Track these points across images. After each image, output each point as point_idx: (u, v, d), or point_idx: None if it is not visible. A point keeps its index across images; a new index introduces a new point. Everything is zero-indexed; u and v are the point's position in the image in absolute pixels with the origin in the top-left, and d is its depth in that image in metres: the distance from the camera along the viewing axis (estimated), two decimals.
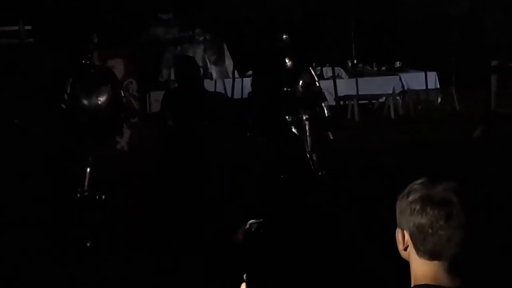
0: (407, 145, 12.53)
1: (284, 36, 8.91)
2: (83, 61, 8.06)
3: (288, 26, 9.58)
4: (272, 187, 8.62)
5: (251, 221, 2.56)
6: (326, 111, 8.98)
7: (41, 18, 21.43)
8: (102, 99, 8.00)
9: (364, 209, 8.23)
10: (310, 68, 9.55)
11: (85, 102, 7.92)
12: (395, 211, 2.21)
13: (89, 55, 8.06)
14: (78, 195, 7.72)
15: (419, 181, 2.23)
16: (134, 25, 17.71)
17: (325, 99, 9.30)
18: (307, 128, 8.70)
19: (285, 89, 8.70)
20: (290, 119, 8.67)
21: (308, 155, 8.67)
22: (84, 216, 7.79)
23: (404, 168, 10.44)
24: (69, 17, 19.14)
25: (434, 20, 20.09)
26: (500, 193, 8.08)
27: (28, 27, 22.59)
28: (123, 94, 8.51)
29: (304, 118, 8.70)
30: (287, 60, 8.79)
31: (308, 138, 8.67)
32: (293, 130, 8.66)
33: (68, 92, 7.95)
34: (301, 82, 8.79)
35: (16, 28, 22.83)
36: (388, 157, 11.39)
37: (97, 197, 7.80)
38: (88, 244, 7.60)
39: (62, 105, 7.96)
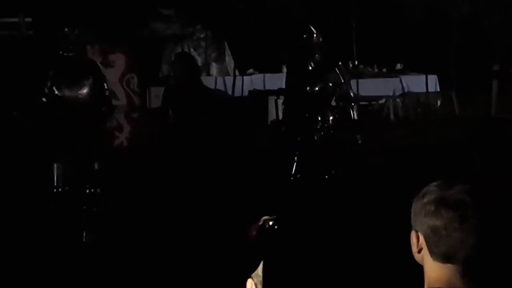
0: (405, 147, 12.55)
1: (314, 35, 8.91)
2: (64, 53, 8.00)
3: (295, 25, 9.56)
4: (284, 184, 8.63)
5: (265, 217, 2.55)
6: (353, 114, 8.98)
7: (41, 11, 21.43)
8: (82, 92, 7.93)
9: (371, 208, 8.24)
10: (338, 68, 9.51)
11: (65, 94, 7.86)
12: (403, 211, 2.23)
13: (70, 47, 7.99)
14: (61, 189, 7.66)
15: (435, 183, 2.23)
16: (135, 20, 17.70)
17: (352, 101, 9.30)
18: (333, 129, 8.70)
19: (313, 88, 8.69)
20: (317, 119, 8.67)
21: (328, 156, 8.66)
22: (76, 211, 7.76)
23: (400, 169, 10.47)
24: (68, 10, 19.13)
25: (435, 23, 20.11)
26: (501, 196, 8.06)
27: (28, 19, 22.63)
28: (106, 87, 8.36)
29: (330, 118, 8.69)
30: (315, 59, 8.78)
31: (333, 139, 8.66)
32: (319, 130, 8.65)
33: (48, 85, 7.90)
34: (329, 82, 8.79)
35: (16, 20, 22.86)
36: (386, 158, 11.40)
37: (92, 191, 7.76)
38: (85, 240, 7.60)
39: (43, 98, 7.90)
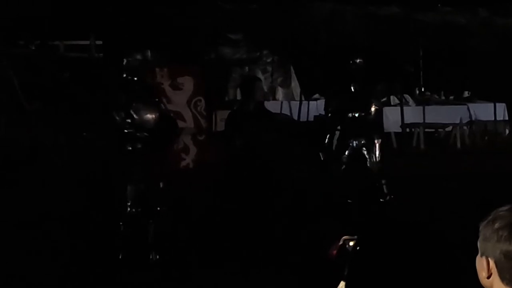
0: (472, 175, 12.43)
1: (358, 60, 8.95)
2: (130, 77, 7.99)
3: (360, 51, 9.60)
4: (340, 209, 8.62)
5: (345, 237, 2.55)
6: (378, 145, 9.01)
7: (112, 34, 21.83)
8: (151, 114, 7.98)
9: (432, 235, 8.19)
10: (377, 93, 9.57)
11: (134, 117, 7.91)
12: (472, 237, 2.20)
13: (137, 72, 8.01)
14: (133, 210, 7.72)
15: (505, 207, 2.18)
16: (203, 44, 17.91)
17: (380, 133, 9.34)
18: (378, 152, 8.71)
19: (358, 112, 8.72)
20: (362, 143, 8.69)
21: (380, 180, 8.67)
22: (144, 231, 7.83)
23: (467, 197, 10.37)
24: (139, 33, 19.43)
25: (504, 51, 19.93)
26: None
27: (98, 42, 23.07)
28: (184, 115, 8.47)
29: (376, 142, 8.71)
30: (359, 84, 8.81)
31: (378, 162, 8.67)
32: (364, 153, 8.67)
33: (119, 107, 7.94)
34: (372, 106, 8.82)
35: (87, 42, 23.32)
36: (452, 185, 11.33)
37: (157, 211, 7.83)
38: (152, 257, 7.67)
39: (114, 119, 7.93)
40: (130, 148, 7.81)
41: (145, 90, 8.10)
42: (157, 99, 8.15)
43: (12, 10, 22.08)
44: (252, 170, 8.79)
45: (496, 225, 2.15)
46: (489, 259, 2.15)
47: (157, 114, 7.94)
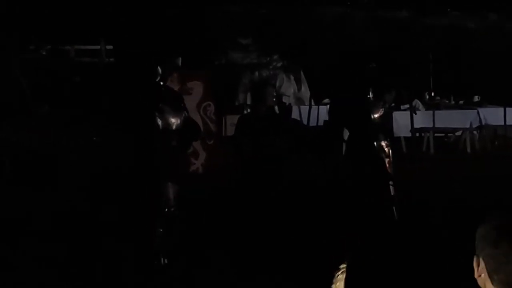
0: (482, 179, 12.42)
1: (370, 65, 8.98)
2: (158, 83, 8.02)
3: (371, 55, 9.62)
4: (355, 210, 8.65)
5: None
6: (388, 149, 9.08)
7: (121, 39, 21.91)
8: (175, 120, 8.01)
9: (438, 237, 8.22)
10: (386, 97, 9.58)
11: (159, 122, 7.92)
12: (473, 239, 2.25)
13: (163, 78, 8.04)
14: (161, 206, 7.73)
15: (499, 211, 2.24)
16: (213, 49, 17.96)
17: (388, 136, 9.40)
18: (388, 157, 8.75)
19: (371, 116, 8.75)
20: (378, 147, 8.72)
21: (388, 182, 8.71)
22: (161, 230, 7.84)
23: (476, 201, 10.38)
24: (149, 39, 19.50)
25: None
26: None
27: (109, 47, 23.15)
28: (196, 119, 8.50)
29: (385, 147, 8.74)
30: (372, 88, 8.84)
31: (389, 167, 8.71)
32: (379, 155, 8.70)
33: (145, 110, 7.96)
34: (383, 110, 8.86)
35: (97, 47, 23.41)
36: (462, 190, 11.33)
37: (171, 212, 7.83)
38: (164, 261, 7.70)
39: (142, 123, 7.95)
40: (159, 148, 7.84)
41: (170, 94, 8.13)
42: (182, 104, 8.18)
43: (23, 14, 22.24)
44: (263, 175, 8.81)
45: (487, 227, 2.20)
46: (480, 259, 2.20)
47: (181, 117, 8.00)
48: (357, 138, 8.81)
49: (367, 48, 17.19)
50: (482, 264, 2.21)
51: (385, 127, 9.05)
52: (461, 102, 17.67)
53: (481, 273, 2.20)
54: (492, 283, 2.17)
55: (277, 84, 18.05)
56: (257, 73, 17.93)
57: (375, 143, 8.71)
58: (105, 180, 10.49)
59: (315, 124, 16.38)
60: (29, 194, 11.07)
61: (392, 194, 8.68)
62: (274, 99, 9.69)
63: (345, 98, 9.24)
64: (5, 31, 21.79)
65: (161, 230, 7.70)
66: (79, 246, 8.41)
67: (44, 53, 22.98)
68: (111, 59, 22.36)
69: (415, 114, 16.13)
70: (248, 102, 15.36)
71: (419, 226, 8.61)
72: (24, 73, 20.45)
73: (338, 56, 18.29)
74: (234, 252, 8.07)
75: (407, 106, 16.72)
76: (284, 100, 17.69)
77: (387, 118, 9.09)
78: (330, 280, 2.37)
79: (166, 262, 7.69)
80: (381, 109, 8.80)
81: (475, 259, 2.23)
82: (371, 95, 8.80)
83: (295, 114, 16.73)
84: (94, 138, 12.52)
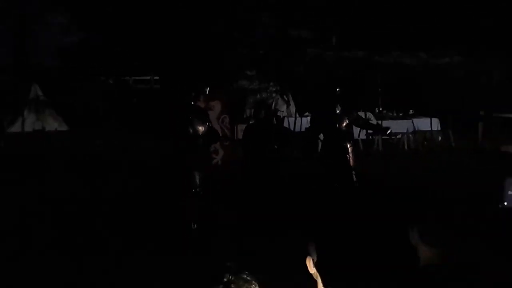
0: (416, 169, 12.41)
1: (338, 89, 8.91)
2: (191, 103, 7.96)
3: (339, 83, 9.52)
4: (327, 192, 8.58)
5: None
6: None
7: (166, 72, 21.88)
8: (202, 128, 7.95)
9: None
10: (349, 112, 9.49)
11: (191, 130, 7.86)
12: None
13: (195, 100, 7.99)
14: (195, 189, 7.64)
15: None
16: (228, 78, 17.92)
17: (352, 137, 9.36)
18: (351, 153, 8.68)
19: (339, 124, 8.70)
20: (344, 146, 8.65)
21: (351, 171, 8.65)
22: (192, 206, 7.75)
23: (412, 183, 10.35)
24: (185, 72, 19.47)
25: (438, 83, 19.91)
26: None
27: (156, 77, 23.10)
28: (216, 127, 8.47)
29: (349, 146, 8.68)
30: (339, 106, 8.78)
31: (352, 160, 8.65)
32: (345, 152, 8.63)
33: (181, 122, 7.88)
34: (347, 120, 8.79)
35: (148, 77, 23.35)
36: (402, 176, 11.30)
37: (197, 191, 7.75)
38: (195, 226, 7.63)
39: (180, 130, 7.87)
40: (191, 147, 7.79)
41: (199, 111, 8.06)
42: (207, 117, 8.14)
43: (97, 55, 22.22)
44: (263, 166, 8.79)
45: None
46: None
47: (206, 126, 7.96)
48: (330, 140, 8.76)
49: (335, 78, 17.12)
50: None
51: (348, 132, 8.98)
52: (400, 114, 17.55)
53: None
54: None
55: (273, 103, 17.96)
56: (258, 95, 17.85)
57: (342, 144, 8.65)
58: (155, 170, 10.47)
59: (299, 130, 16.33)
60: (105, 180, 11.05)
61: (354, 180, 8.62)
62: (269, 114, 9.65)
63: (322, 112, 9.17)
64: (85, 68, 21.76)
65: (190, 204, 7.67)
66: (142, 211, 8.53)
67: (111, 82, 22.95)
68: (158, 86, 22.37)
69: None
70: (252, 115, 15.28)
71: (375, 204, 8.53)
72: (97, 97, 20.43)
73: (315, 83, 18.26)
74: (240, 216, 8.06)
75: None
76: (278, 114, 17.62)
77: (350, 126, 9.00)
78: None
79: (195, 226, 7.65)
80: (346, 120, 8.74)
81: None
82: (339, 110, 8.74)
83: (286, 123, 16.63)
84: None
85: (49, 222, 8.41)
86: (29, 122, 18.26)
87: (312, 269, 2.18)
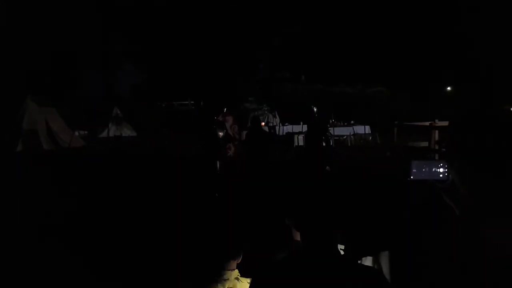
0: (357, 157, 12.35)
1: (315, 108, 8.86)
2: (214, 117, 8.10)
3: (309, 105, 9.42)
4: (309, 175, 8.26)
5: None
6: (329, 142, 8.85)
7: (199, 98, 21.90)
8: (221, 133, 8.03)
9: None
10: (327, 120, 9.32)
11: (218, 134, 7.94)
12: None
13: (216, 115, 8.11)
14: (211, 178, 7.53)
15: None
16: (238, 101, 17.95)
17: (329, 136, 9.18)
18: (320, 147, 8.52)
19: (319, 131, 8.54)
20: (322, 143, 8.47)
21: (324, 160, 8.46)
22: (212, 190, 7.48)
23: (357, 166, 10.27)
24: (210, 98, 19.50)
25: (368, 103, 19.85)
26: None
27: (192, 101, 23.03)
28: (229, 133, 8.46)
29: (324, 143, 8.52)
30: (312, 118, 8.67)
31: (325, 151, 8.45)
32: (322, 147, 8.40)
33: (210, 130, 7.99)
34: (324, 128, 8.69)
35: (186, 102, 23.29)
36: (346, 164, 11.27)
37: (218, 173, 7.55)
38: (216, 194, 7.41)
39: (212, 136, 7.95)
40: (215, 145, 7.84)
41: (219, 123, 8.15)
42: (224, 126, 8.19)
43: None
44: (259, 157, 8.75)
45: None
46: None
47: (224, 132, 8.00)
48: (309, 139, 8.64)
49: (306, 102, 17.20)
50: None
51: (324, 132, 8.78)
52: (345, 123, 17.60)
53: None
54: None
55: (266, 117, 18.01)
56: (256, 112, 17.88)
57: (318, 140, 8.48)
58: (188, 161, 10.35)
59: (282, 134, 16.40)
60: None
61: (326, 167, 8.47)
62: (260, 123, 9.63)
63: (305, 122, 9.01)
64: (146, 96, 21.71)
65: (213, 181, 7.63)
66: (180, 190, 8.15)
67: (163, 105, 22.97)
68: (193, 107, 22.37)
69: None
70: (251, 125, 15.24)
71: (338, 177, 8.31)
72: (155, 114, 20.40)
73: (292, 106, 18.30)
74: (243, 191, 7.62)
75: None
76: (269, 124, 17.68)
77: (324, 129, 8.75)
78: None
79: (216, 195, 7.60)
80: (319, 126, 8.60)
81: None
82: (312, 121, 8.67)
83: (274, 130, 16.68)
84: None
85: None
86: (112, 130, 18.41)
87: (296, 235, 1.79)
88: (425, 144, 11.36)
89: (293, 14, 22.37)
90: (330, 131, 9.11)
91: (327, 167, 8.17)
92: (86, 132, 17.19)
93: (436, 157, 9.10)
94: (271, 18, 22.37)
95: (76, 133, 15.53)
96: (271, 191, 6.23)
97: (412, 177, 1.82)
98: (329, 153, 8.39)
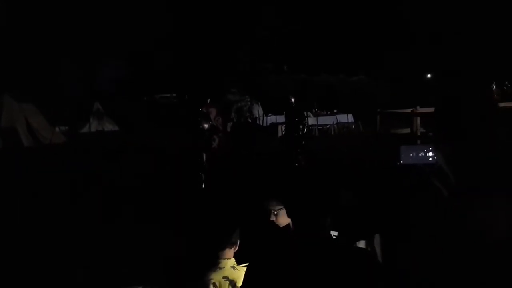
0: (337, 146, 12.43)
1: (292, 98, 8.92)
2: (199, 109, 8.04)
3: (290, 95, 9.43)
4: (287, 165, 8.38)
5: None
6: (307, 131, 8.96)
7: (183, 91, 21.70)
8: (206, 125, 7.98)
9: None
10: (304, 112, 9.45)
11: (203, 126, 7.89)
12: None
13: (200, 107, 8.06)
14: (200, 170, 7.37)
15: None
16: (219, 94, 17.82)
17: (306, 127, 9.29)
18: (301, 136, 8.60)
19: (296, 119, 8.63)
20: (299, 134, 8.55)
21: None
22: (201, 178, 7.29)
23: (340, 154, 10.36)
24: (195, 91, 19.32)
25: (350, 92, 19.98)
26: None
27: (174, 94, 22.75)
28: (214, 124, 8.45)
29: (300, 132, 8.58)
30: (294, 108, 8.75)
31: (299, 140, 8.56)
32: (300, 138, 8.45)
33: (195, 121, 7.96)
34: (300, 117, 8.76)
35: (168, 95, 23.00)
36: (331, 152, 11.35)
37: (203, 163, 7.46)
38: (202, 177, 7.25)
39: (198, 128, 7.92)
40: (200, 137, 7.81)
41: (203, 114, 8.11)
42: (208, 118, 8.15)
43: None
44: (243, 146, 8.78)
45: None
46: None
47: (209, 124, 7.98)
48: (288, 129, 8.72)
49: (288, 92, 17.19)
50: None
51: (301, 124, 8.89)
52: (328, 112, 17.71)
53: None
54: None
55: (250, 108, 17.94)
56: (239, 104, 17.80)
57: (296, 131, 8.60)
58: (174, 154, 10.27)
59: (266, 124, 16.41)
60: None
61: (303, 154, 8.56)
62: (245, 115, 9.66)
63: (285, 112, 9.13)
64: (128, 90, 21.36)
65: (200, 171, 7.60)
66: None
67: (145, 98, 22.66)
68: (175, 100, 22.15)
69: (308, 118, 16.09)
70: (235, 116, 15.23)
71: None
72: (136, 108, 20.14)
73: (275, 96, 18.29)
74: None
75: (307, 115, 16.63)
76: (253, 115, 17.63)
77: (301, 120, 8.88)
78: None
79: (203, 178, 7.40)
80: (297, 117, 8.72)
81: None
82: (293, 111, 8.75)
83: (257, 121, 16.68)
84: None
85: None
86: (93, 125, 18.12)
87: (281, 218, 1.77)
88: (407, 130, 11.49)
89: (275, 6, 22.31)
90: (307, 120, 9.15)
91: (299, 156, 8.25)
92: (67, 127, 16.82)
93: (419, 142, 9.21)
94: (252, 10, 22.26)
95: (57, 129, 15.17)
96: (257, 180, 6.17)
97: (401, 161, 1.80)
98: (303, 141, 8.44)
